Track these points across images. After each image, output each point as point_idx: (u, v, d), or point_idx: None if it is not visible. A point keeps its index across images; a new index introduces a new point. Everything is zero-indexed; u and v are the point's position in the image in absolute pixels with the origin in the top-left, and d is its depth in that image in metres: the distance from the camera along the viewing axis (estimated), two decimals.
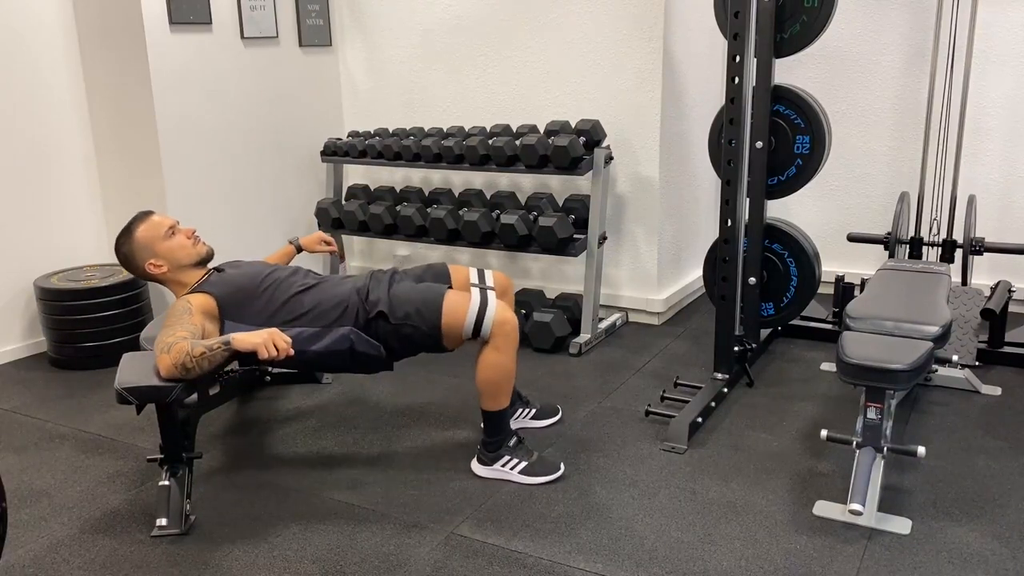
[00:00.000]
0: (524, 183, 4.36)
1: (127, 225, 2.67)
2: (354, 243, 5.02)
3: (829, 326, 3.83)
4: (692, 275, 4.47)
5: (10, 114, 3.77)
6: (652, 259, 4.12)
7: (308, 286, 2.68)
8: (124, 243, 2.65)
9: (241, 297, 2.60)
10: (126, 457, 2.95)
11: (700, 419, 3.01)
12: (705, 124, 3.71)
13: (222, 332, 2.55)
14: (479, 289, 2.74)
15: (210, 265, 2.74)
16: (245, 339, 2.34)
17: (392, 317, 2.59)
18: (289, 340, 2.38)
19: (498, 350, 2.58)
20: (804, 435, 2.96)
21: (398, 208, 4.27)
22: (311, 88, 4.65)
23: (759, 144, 3.32)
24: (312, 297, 2.64)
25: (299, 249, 3.18)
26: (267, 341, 2.33)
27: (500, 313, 2.58)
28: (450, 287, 2.75)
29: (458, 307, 2.59)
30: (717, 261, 3.23)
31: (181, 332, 2.38)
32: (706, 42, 4.18)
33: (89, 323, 3.73)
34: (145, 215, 2.69)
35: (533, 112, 4.24)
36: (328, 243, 3.19)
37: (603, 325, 4.01)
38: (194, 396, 2.55)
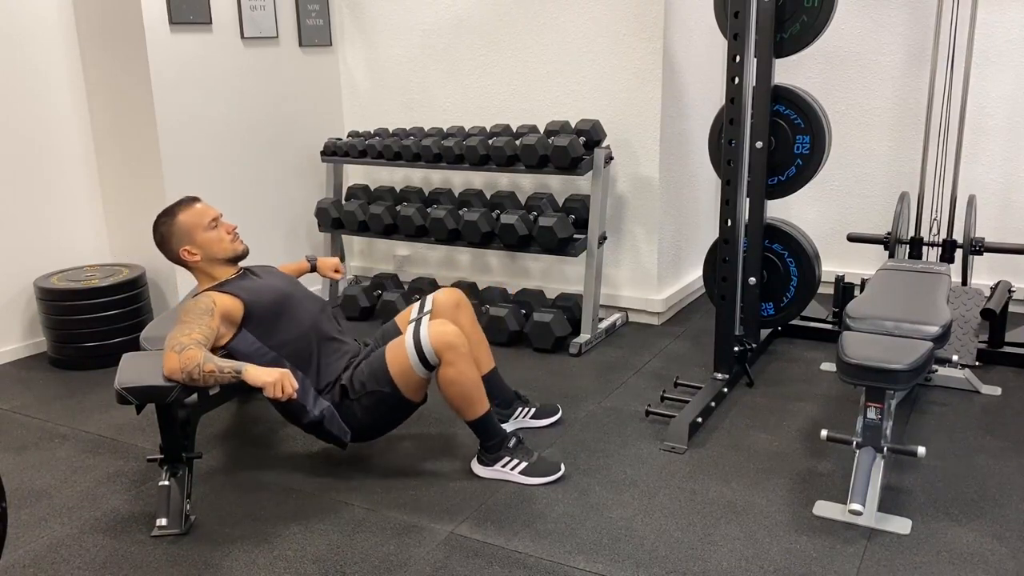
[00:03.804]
0: (524, 183, 4.36)
1: (171, 206, 2.67)
2: (354, 243, 5.02)
3: (829, 326, 3.83)
4: (692, 275, 4.46)
5: (10, 114, 3.77)
6: (652, 259, 4.12)
7: (322, 337, 2.73)
8: (164, 223, 2.64)
9: (266, 316, 2.63)
10: (126, 457, 2.95)
11: (700, 419, 3.01)
12: (705, 124, 3.71)
13: (235, 337, 2.59)
14: (412, 323, 2.76)
15: (241, 264, 2.76)
16: (258, 375, 2.39)
17: (352, 393, 2.66)
18: (296, 387, 2.43)
19: (451, 365, 2.58)
20: (804, 435, 2.96)
21: (398, 208, 4.27)
22: (311, 88, 4.65)
23: (759, 144, 3.32)
24: (322, 356, 2.70)
25: (313, 268, 3.20)
26: (277, 382, 2.38)
27: (434, 332, 2.58)
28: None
29: (397, 351, 2.62)
30: (717, 261, 3.23)
31: (197, 335, 2.42)
32: (706, 42, 4.18)
33: (89, 323, 3.73)
34: (191, 200, 2.69)
35: (533, 112, 4.24)
36: (338, 271, 3.21)
37: (603, 325, 4.01)
38: (194, 396, 2.55)
